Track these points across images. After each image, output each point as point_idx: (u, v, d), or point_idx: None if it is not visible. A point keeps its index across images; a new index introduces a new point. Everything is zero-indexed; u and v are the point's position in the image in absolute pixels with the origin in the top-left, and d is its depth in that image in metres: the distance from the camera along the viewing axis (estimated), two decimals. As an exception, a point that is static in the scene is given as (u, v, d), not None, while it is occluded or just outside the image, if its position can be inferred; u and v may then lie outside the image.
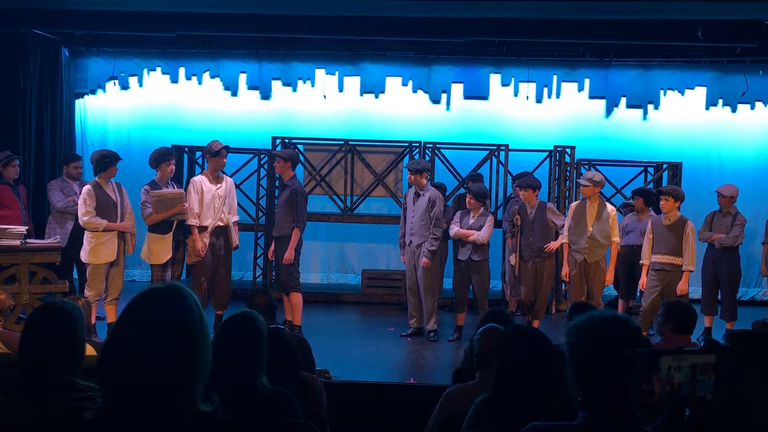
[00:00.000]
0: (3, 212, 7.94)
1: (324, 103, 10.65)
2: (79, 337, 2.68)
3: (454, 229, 7.99)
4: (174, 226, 7.42)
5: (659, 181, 9.83)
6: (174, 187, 7.57)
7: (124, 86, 10.66)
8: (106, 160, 7.26)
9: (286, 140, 9.82)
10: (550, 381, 2.99)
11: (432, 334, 7.91)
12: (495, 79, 10.44)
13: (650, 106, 10.53)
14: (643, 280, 7.74)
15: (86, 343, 4.13)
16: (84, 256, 7.22)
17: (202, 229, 7.47)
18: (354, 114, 10.83)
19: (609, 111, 10.69)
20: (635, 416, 2.08)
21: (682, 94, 10.39)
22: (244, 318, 3.09)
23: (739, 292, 8.82)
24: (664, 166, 9.93)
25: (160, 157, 7.40)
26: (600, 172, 8.69)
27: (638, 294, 8.39)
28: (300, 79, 10.53)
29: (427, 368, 7.03)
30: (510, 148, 9.77)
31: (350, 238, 10.95)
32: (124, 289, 7.41)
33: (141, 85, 10.67)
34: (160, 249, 7.35)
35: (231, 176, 8.63)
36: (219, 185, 7.59)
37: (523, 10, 8.13)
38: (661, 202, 7.69)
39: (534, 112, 10.66)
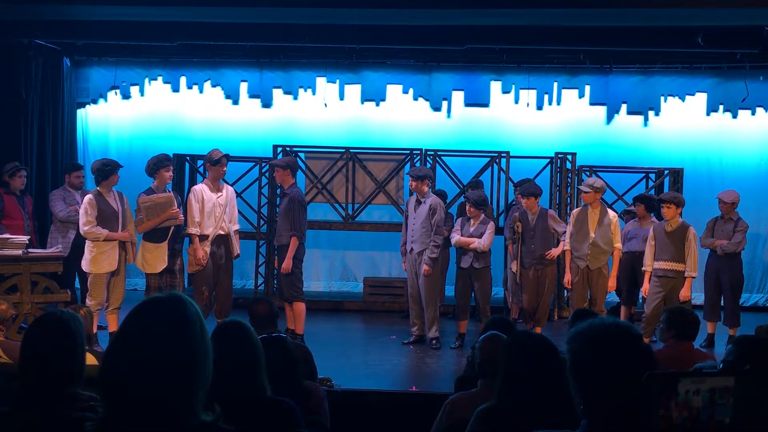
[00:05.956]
0: (6, 222, 7.99)
1: (325, 111, 10.67)
2: (78, 346, 2.68)
3: (455, 237, 7.98)
4: (170, 234, 7.40)
5: (661, 188, 9.81)
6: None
7: (126, 96, 10.69)
8: (107, 169, 7.27)
9: (287, 148, 9.83)
10: (554, 388, 2.98)
11: (434, 341, 7.89)
12: (496, 86, 10.45)
13: (651, 113, 10.54)
14: (646, 286, 7.73)
15: (88, 352, 4.13)
16: (85, 265, 7.23)
17: (203, 237, 7.47)
18: (355, 122, 10.84)
19: (610, 117, 10.70)
20: (638, 424, 2.07)
21: (683, 101, 10.39)
22: (233, 326, 3.07)
23: (742, 298, 8.81)
24: (666, 172, 9.92)
25: (159, 163, 7.35)
26: (601, 178, 8.70)
27: (640, 301, 8.38)
28: (301, 87, 10.55)
29: (430, 376, 7.02)
30: (511, 155, 9.78)
31: (352, 246, 10.94)
32: (126, 299, 7.41)
33: (142, 95, 10.70)
34: (155, 258, 7.33)
35: (232, 185, 8.65)
36: (220, 194, 7.59)
37: (524, 18, 8.13)
38: (663, 210, 7.68)
39: (535, 119, 10.67)
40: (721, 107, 10.32)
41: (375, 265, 10.95)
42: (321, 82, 10.50)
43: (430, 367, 7.25)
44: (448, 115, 10.77)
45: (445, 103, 10.59)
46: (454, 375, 5.97)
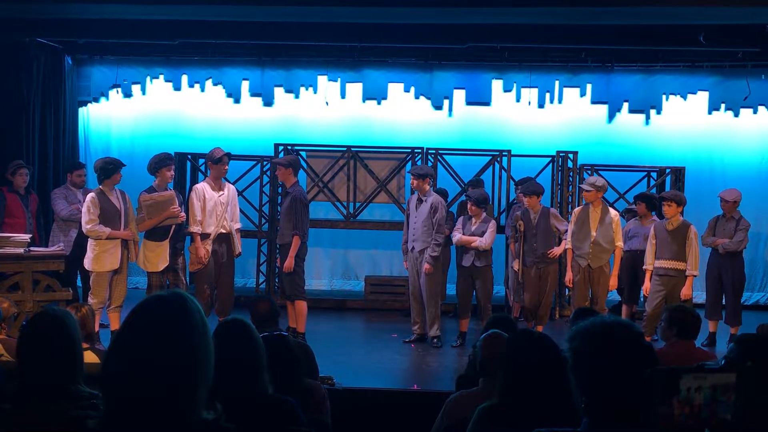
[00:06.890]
0: (9, 220, 8.00)
1: (326, 109, 10.66)
2: (75, 342, 2.68)
3: (457, 236, 7.98)
4: (171, 233, 7.41)
5: (662, 186, 9.80)
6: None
7: (127, 94, 10.70)
8: (110, 167, 7.27)
9: (289, 147, 9.83)
10: (556, 387, 2.98)
11: (435, 340, 7.89)
12: (497, 84, 10.45)
13: (653, 111, 10.53)
14: (647, 285, 7.74)
15: (90, 351, 4.14)
16: (87, 263, 7.23)
17: (205, 236, 7.48)
18: (356, 120, 10.84)
19: (611, 116, 10.69)
20: (639, 422, 2.07)
21: (685, 99, 10.38)
22: (235, 325, 3.08)
23: (743, 296, 8.80)
24: (667, 170, 9.91)
25: (161, 162, 7.38)
26: (602, 177, 8.69)
27: (642, 299, 8.38)
28: (302, 85, 10.55)
29: (431, 375, 7.02)
30: (512, 153, 9.77)
31: (353, 244, 10.95)
32: (128, 297, 7.42)
33: (144, 93, 10.70)
34: (157, 256, 7.33)
35: (234, 183, 8.66)
36: (221, 192, 7.60)
37: (525, 16, 8.13)
38: (664, 208, 7.69)
39: (536, 118, 10.66)
40: (722, 106, 10.31)
41: (376, 263, 10.95)
42: (322, 80, 10.50)
43: (431, 366, 7.26)
44: (450, 114, 10.76)
45: (446, 102, 10.59)
46: (455, 374, 5.96)
